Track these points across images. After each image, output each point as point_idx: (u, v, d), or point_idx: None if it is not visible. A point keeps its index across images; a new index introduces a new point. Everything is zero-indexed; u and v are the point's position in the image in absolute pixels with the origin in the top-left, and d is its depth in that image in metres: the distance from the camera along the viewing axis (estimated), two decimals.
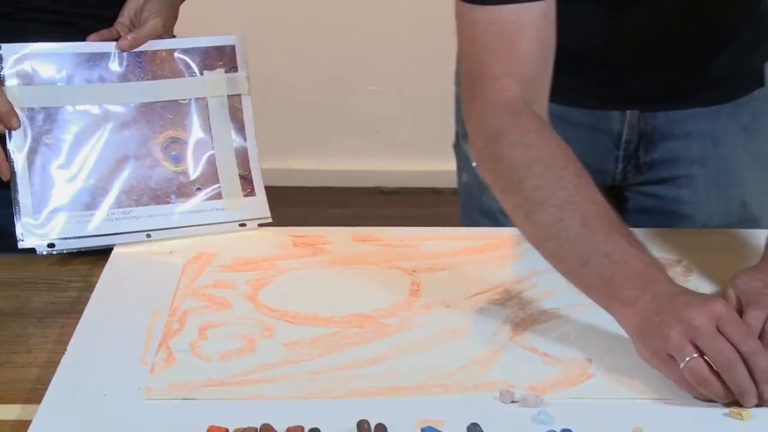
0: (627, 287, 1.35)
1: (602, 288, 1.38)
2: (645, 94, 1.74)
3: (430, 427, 1.26)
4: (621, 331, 1.38)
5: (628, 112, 1.77)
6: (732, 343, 1.28)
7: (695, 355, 1.28)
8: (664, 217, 1.83)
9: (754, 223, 1.83)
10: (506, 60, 1.48)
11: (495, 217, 1.78)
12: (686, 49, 1.71)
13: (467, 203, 1.93)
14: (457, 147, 1.95)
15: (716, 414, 1.29)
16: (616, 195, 1.86)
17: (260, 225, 1.70)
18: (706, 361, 1.28)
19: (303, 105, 3.72)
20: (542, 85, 1.51)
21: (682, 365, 1.29)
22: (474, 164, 1.75)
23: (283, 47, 3.62)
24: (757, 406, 1.30)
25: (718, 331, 1.29)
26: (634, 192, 1.86)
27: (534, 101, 1.49)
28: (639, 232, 1.54)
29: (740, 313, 1.34)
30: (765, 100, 1.81)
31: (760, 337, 1.31)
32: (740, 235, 1.69)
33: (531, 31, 1.48)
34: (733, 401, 1.29)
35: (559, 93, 1.71)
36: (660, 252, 1.58)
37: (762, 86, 1.80)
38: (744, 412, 1.28)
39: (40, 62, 1.65)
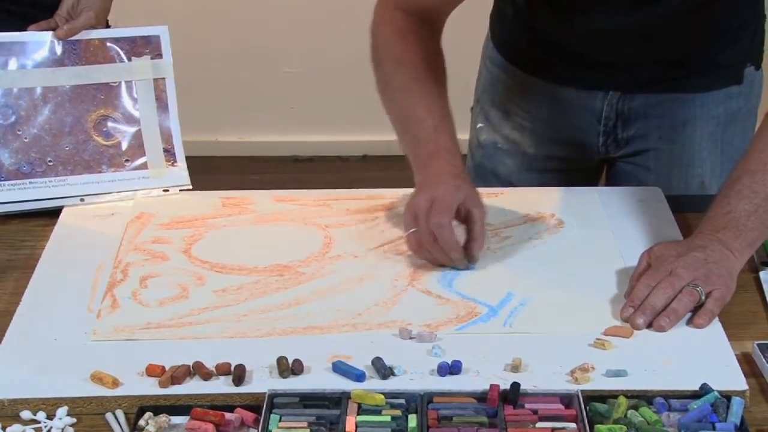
0: (419, 163, 1.50)
1: (411, 158, 1.52)
2: (628, 81, 1.67)
3: (340, 362, 1.24)
4: (501, 276, 1.39)
5: (610, 93, 1.69)
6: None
7: (413, 230, 1.43)
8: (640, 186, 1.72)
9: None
10: None
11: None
12: (665, 49, 1.62)
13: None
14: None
15: (582, 345, 1.28)
16: (602, 167, 1.81)
17: (181, 191, 1.65)
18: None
19: (229, 86, 3.66)
20: (439, 17, 1.59)
21: (405, 235, 1.45)
22: (478, 126, 1.83)
23: (214, 37, 3.56)
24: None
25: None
26: (616, 163, 1.77)
27: (429, 21, 1.58)
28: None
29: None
30: (743, 98, 1.70)
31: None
32: (606, 192, 1.66)
33: None
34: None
35: (551, 73, 1.70)
36: (538, 207, 1.58)
37: (739, 84, 1.68)
38: (606, 342, 1.28)
39: None
